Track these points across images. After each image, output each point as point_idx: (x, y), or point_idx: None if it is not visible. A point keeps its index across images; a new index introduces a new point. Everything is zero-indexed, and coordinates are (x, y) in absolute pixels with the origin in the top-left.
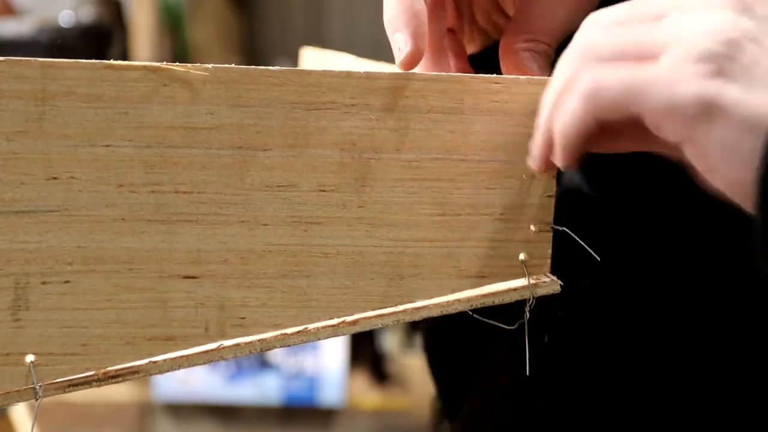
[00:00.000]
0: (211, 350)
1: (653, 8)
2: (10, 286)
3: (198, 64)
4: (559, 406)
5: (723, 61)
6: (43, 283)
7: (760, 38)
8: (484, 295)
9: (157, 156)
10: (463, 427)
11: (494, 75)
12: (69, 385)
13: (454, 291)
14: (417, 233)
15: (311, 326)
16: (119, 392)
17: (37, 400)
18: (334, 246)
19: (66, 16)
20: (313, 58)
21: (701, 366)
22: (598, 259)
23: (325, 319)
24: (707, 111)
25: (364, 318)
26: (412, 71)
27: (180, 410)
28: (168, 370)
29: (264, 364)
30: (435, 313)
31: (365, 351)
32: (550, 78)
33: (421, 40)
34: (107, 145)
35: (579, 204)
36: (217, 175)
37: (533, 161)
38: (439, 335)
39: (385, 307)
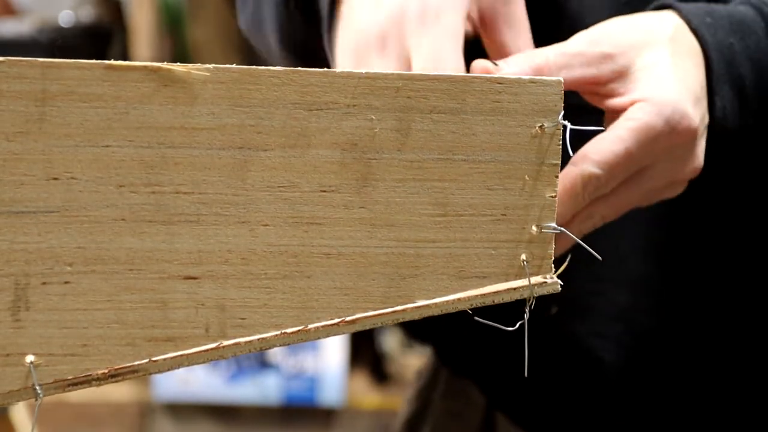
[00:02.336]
0: (211, 349)
1: None
2: (10, 287)
3: (199, 65)
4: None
5: None
6: (44, 283)
7: None
8: (484, 295)
9: (157, 156)
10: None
11: (496, 75)
12: (69, 384)
13: (455, 291)
14: (418, 234)
15: (311, 325)
16: (119, 392)
17: (37, 400)
18: (335, 247)
19: (66, 16)
20: None
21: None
22: (600, 258)
23: (326, 320)
24: None
25: (364, 317)
26: (413, 72)
27: (180, 410)
28: (168, 369)
29: (264, 364)
30: (435, 312)
31: (365, 351)
32: (552, 79)
33: None
34: (107, 146)
35: None
36: (218, 176)
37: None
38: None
39: (386, 308)
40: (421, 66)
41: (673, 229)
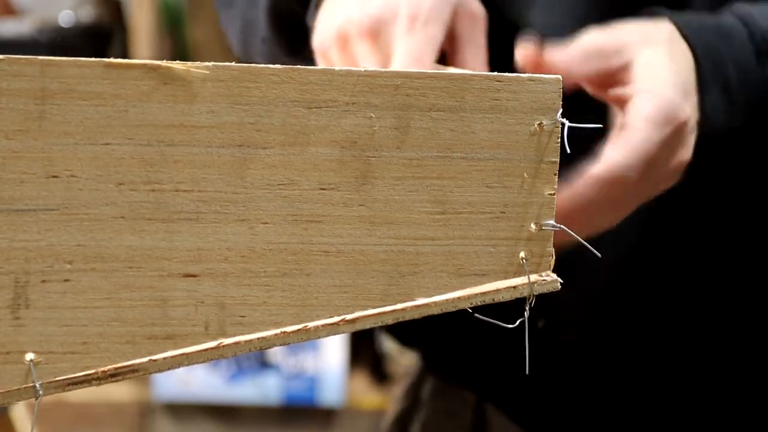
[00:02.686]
0: (211, 348)
1: None
2: (9, 285)
3: (198, 63)
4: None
5: None
6: (43, 281)
7: None
8: (484, 293)
9: (157, 154)
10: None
11: (496, 73)
12: (69, 384)
13: (454, 289)
14: (417, 231)
15: (311, 324)
16: (119, 392)
17: (37, 398)
18: (334, 244)
19: (66, 16)
20: None
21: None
22: (599, 256)
23: (325, 318)
24: None
25: (364, 316)
26: (413, 70)
27: (180, 410)
28: (168, 369)
29: (264, 364)
30: (435, 311)
31: (365, 351)
32: (551, 77)
33: None
34: (107, 144)
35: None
36: (218, 174)
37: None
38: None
39: (385, 306)
40: (400, 65)
41: (639, 213)
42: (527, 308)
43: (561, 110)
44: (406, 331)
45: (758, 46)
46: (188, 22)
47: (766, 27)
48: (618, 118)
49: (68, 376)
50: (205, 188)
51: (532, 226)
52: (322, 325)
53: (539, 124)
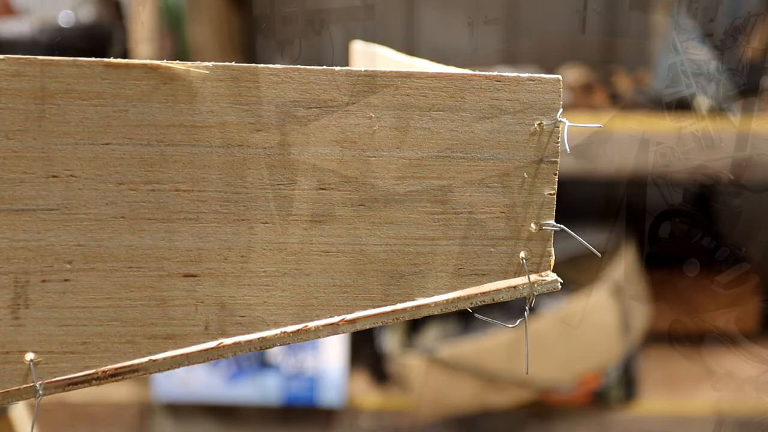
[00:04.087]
0: (211, 348)
1: None
2: (9, 285)
3: (198, 63)
4: None
5: None
6: (43, 281)
7: None
8: (484, 293)
9: (157, 154)
10: None
11: (496, 73)
12: (69, 384)
13: (454, 289)
14: (417, 231)
15: (311, 324)
16: (119, 392)
17: (37, 398)
18: (334, 244)
19: (66, 16)
20: (362, 52)
21: None
22: (599, 255)
23: (325, 318)
24: None
25: (364, 316)
26: (413, 70)
27: (180, 410)
28: (168, 369)
29: (264, 364)
30: (435, 311)
31: (365, 351)
32: (551, 77)
33: None
34: (107, 143)
35: None
36: (218, 173)
37: None
38: None
39: (385, 306)
40: None
41: None
42: (527, 308)
43: (561, 110)
44: None
45: None
46: (188, 22)
47: None
48: None
49: (68, 376)
50: (205, 188)
51: (532, 226)
52: (322, 325)
53: (539, 124)
